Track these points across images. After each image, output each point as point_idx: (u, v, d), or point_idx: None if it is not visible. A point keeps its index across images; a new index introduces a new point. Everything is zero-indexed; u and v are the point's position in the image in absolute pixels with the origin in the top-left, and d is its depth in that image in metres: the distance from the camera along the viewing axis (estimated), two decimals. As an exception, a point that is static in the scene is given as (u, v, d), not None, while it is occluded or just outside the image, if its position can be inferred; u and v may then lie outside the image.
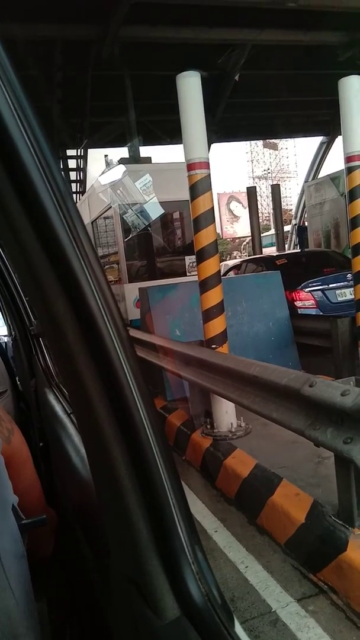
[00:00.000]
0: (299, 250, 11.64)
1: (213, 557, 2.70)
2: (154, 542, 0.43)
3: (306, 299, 6.56)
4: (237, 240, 45.20)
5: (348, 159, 4.30)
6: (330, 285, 6.64)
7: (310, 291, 6.60)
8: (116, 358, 0.39)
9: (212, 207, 3.87)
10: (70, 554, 1.04)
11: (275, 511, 2.82)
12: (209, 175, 3.81)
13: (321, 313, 6.43)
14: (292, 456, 3.38)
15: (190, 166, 3.76)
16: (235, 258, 25.91)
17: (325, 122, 15.30)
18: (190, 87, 3.66)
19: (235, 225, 45.86)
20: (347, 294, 6.39)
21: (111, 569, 0.55)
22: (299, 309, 6.44)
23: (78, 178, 12.53)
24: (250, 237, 17.89)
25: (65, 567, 1.14)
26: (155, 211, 6.90)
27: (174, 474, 0.42)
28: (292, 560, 2.58)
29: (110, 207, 7.46)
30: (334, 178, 12.46)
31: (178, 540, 0.44)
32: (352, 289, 4.53)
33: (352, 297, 4.56)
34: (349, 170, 4.30)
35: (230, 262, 12.80)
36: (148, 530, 0.43)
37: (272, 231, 16.20)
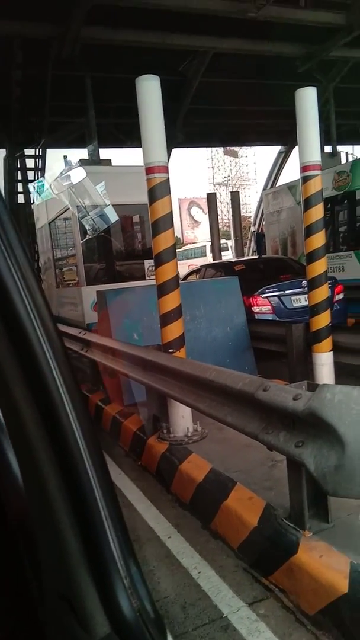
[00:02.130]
0: (257, 257, 11.83)
1: (166, 563, 2.68)
2: (84, 555, 0.41)
3: (263, 305, 6.66)
4: (223, 241, 45.32)
5: (303, 168, 4.39)
6: (287, 292, 6.76)
7: (267, 297, 6.70)
8: (47, 368, 0.37)
9: (171, 211, 3.87)
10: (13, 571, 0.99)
11: (229, 515, 2.83)
12: (168, 179, 3.80)
13: (277, 318, 6.54)
14: (246, 460, 3.40)
15: (149, 170, 3.75)
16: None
17: (283, 131, 15.66)
18: (149, 90, 3.65)
19: (195, 230, 46.20)
20: (302, 300, 6.52)
21: (44, 584, 0.53)
22: (256, 314, 6.53)
23: (36, 178, 12.29)
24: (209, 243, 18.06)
25: (7, 585, 1.09)
26: (114, 215, 6.85)
27: (107, 483, 0.41)
28: (244, 564, 2.59)
29: (68, 208, 7.35)
30: (291, 187, 12.74)
31: (109, 553, 0.42)
32: (307, 295, 4.62)
33: (307, 303, 4.65)
34: (304, 179, 4.40)
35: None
36: (77, 542, 0.41)
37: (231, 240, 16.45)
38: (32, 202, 6.28)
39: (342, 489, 2.02)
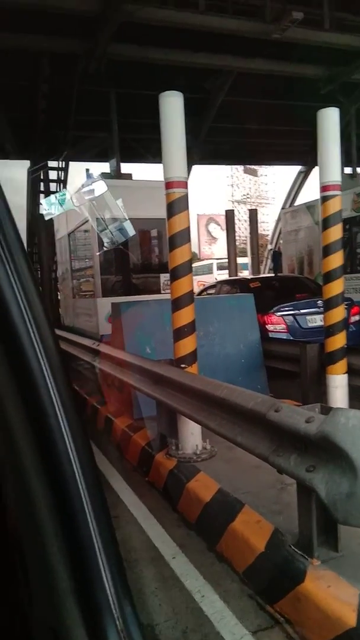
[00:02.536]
0: (273, 275, 11.79)
1: (169, 585, 2.61)
2: (74, 592, 0.38)
3: (277, 323, 6.60)
4: (220, 260, 45.48)
5: (323, 188, 4.38)
6: (302, 311, 6.70)
7: (281, 315, 6.64)
8: (43, 386, 0.35)
9: (188, 227, 3.87)
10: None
11: (236, 538, 2.76)
12: (187, 194, 3.81)
13: (291, 338, 6.47)
14: (255, 481, 3.33)
15: (169, 184, 3.76)
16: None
17: (303, 152, 15.69)
18: (172, 106, 3.68)
19: (213, 246, 46.27)
20: (317, 320, 6.45)
21: (33, 616, 0.50)
22: (270, 333, 6.47)
23: (58, 190, 12.46)
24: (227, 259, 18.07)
25: None
26: (132, 229, 6.89)
27: (104, 514, 0.38)
28: (249, 590, 2.51)
29: (88, 220, 7.41)
30: (309, 207, 12.73)
31: (102, 592, 0.39)
32: (322, 315, 4.57)
33: (322, 323, 4.59)
34: (324, 199, 4.37)
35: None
36: (68, 577, 0.38)
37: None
38: (41, 214, 6.35)
39: (354, 518, 1.95)
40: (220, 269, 26.96)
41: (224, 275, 21.07)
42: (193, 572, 2.71)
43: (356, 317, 7.08)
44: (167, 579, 2.67)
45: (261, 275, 13.27)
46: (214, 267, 27.23)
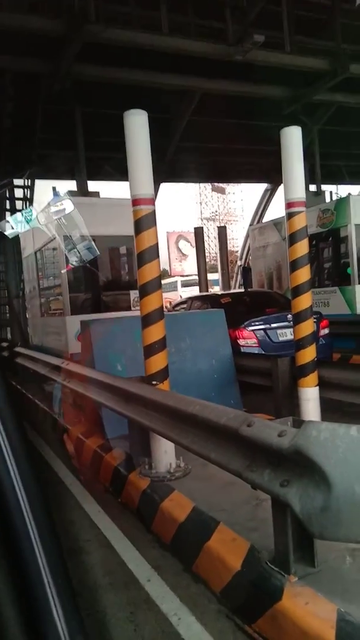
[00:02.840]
0: (243, 290, 11.92)
1: (144, 609, 2.53)
2: (23, 629, 0.34)
3: (249, 338, 6.63)
4: (192, 276, 45.79)
5: (288, 205, 4.45)
6: (272, 325, 6.76)
7: (253, 330, 6.68)
8: None
9: (156, 243, 3.86)
10: None
11: (211, 558, 2.71)
12: (154, 211, 3.81)
13: (263, 352, 6.51)
14: (230, 498, 3.30)
15: (135, 202, 3.76)
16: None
17: (269, 170, 16.03)
18: (137, 124, 3.69)
19: (183, 263, 46.56)
20: (287, 334, 6.53)
21: None
22: (241, 347, 6.49)
23: (24, 208, 12.34)
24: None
25: None
26: (100, 246, 6.88)
27: (53, 545, 0.34)
28: (227, 611, 2.46)
29: (55, 238, 7.35)
30: (276, 223, 12.97)
31: (53, 629, 0.35)
32: (292, 329, 4.61)
33: (292, 337, 4.63)
34: (289, 215, 4.45)
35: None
36: (16, 614, 0.34)
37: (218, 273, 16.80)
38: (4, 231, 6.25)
39: (329, 531, 1.93)
40: (185, 286, 27.55)
41: (188, 292, 21.52)
42: (169, 595, 2.64)
43: (325, 331, 7.18)
44: (142, 603, 2.59)
45: (231, 291, 13.40)
46: (179, 285, 27.71)
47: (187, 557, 2.90)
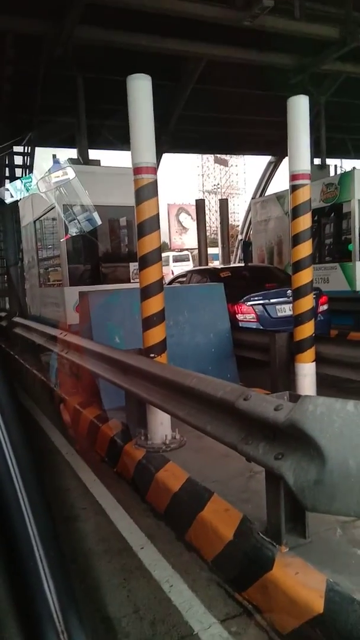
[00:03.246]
0: (243, 264, 11.86)
1: (137, 575, 2.58)
2: (13, 604, 0.33)
3: (247, 313, 6.62)
4: (184, 251, 45.56)
5: (292, 177, 4.37)
6: (271, 301, 6.73)
7: (251, 305, 6.66)
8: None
9: (157, 214, 3.80)
10: None
11: (204, 527, 2.75)
12: (156, 181, 3.74)
13: (261, 327, 6.50)
14: (224, 470, 3.33)
15: (137, 170, 3.68)
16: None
17: (274, 142, 15.74)
18: (140, 89, 3.59)
19: (183, 236, 46.16)
20: (286, 310, 6.51)
21: None
22: (240, 322, 6.48)
23: (24, 175, 12.14)
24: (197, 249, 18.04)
25: None
26: (99, 218, 6.77)
27: (46, 520, 0.33)
28: (218, 579, 2.51)
29: (54, 207, 7.23)
30: (279, 197, 12.80)
31: (44, 604, 0.34)
32: (292, 304, 4.59)
33: (291, 312, 4.61)
34: (293, 188, 4.37)
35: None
36: (5, 588, 0.33)
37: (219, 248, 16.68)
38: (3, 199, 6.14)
39: (321, 504, 1.95)
40: (177, 262, 27.64)
41: (180, 267, 21.47)
42: (161, 562, 2.69)
43: (324, 307, 7.16)
44: (134, 570, 2.64)
45: (231, 265, 13.32)
46: (170, 260, 27.77)
47: (181, 526, 2.95)
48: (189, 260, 27.82)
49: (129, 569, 2.65)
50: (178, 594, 2.40)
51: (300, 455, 2.06)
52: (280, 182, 17.35)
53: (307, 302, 4.42)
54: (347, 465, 1.87)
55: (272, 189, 17.05)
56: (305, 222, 4.37)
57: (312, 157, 12.75)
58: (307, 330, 4.42)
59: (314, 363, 4.46)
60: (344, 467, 1.88)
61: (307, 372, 4.44)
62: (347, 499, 1.90)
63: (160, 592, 2.43)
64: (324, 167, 13.23)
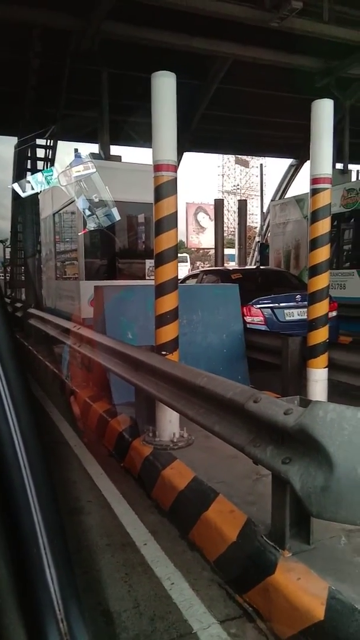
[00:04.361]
0: (255, 267, 11.82)
1: (138, 571, 2.59)
2: (14, 590, 0.33)
3: (255, 315, 6.62)
4: (200, 251, 45.56)
5: (313, 180, 4.34)
6: (280, 304, 6.72)
7: (260, 308, 6.66)
8: None
9: (176, 212, 3.80)
10: None
11: (208, 527, 2.75)
12: (175, 178, 3.74)
13: (268, 330, 6.49)
14: (231, 471, 3.32)
15: (157, 167, 3.68)
16: (197, 268, 26.75)
17: (296, 145, 15.64)
18: (164, 87, 3.59)
19: (200, 236, 46.11)
20: (294, 314, 6.53)
21: None
22: (247, 324, 6.47)
23: (45, 168, 12.23)
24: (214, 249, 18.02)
25: None
26: (118, 214, 6.78)
27: (51, 509, 0.33)
28: (219, 580, 2.50)
29: (73, 200, 7.27)
30: (299, 200, 12.71)
31: (45, 591, 0.34)
32: (300, 310, 4.57)
33: (299, 317, 4.59)
34: (314, 191, 4.34)
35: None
36: (8, 574, 0.33)
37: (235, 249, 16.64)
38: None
39: (327, 511, 1.94)
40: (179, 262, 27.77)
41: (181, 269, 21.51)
42: (164, 560, 2.69)
43: (333, 313, 7.07)
44: (137, 565, 2.65)
45: (244, 267, 13.27)
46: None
47: (184, 525, 2.95)
48: (187, 261, 27.95)
49: (131, 564, 2.66)
50: (179, 592, 2.41)
51: (308, 461, 2.04)
52: (300, 187, 17.25)
53: (322, 307, 4.38)
54: (356, 473, 1.86)
55: (292, 193, 16.94)
56: (324, 226, 4.33)
57: (335, 161, 12.68)
58: (320, 335, 4.38)
59: (326, 369, 4.42)
60: (352, 475, 1.86)
61: (318, 378, 4.40)
62: (353, 508, 1.89)
63: (161, 589, 2.44)
64: (346, 172, 13.11)
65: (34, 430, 0.35)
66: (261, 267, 11.50)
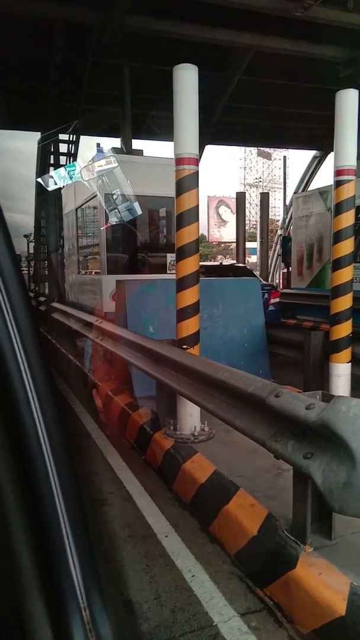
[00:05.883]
0: (218, 263, 12.20)
1: (160, 563, 2.62)
2: (38, 578, 0.34)
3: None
4: (222, 245, 45.39)
5: (337, 172, 4.28)
6: None
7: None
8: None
9: (197, 205, 3.79)
10: None
11: (229, 521, 2.76)
12: (197, 172, 3.72)
13: None
14: (251, 465, 3.32)
15: (179, 161, 3.67)
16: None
17: (320, 136, 15.39)
18: (186, 80, 3.57)
19: (222, 229, 45.91)
20: None
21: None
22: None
23: (68, 163, 12.31)
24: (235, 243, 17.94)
25: None
26: (139, 208, 6.78)
27: (74, 498, 0.34)
28: (240, 573, 2.51)
29: (95, 195, 7.31)
30: (322, 192, 12.50)
31: (68, 580, 0.35)
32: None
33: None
34: (337, 183, 4.28)
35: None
36: (32, 562, 0.34)
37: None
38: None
39: (349, 507, 1.92)
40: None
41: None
42: (184, 552, 2.71)
43: (275, 300, 8.18)
44: (158, 557, 2.67)
45: (208, 263, 13.34)
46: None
47: (205, 518, 2.96)
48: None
49: (153, 555, 2.69)
50: (199, 585, 2.42)
51: (330, 456, 2.03)
52: (323, 180, 17.00)
53: (346, 301, 4.33)
54: (379, 469, 1.83)
55: (315, 185, 16.72)
56: (348, 219, 4.28)
57: (359, 152, 12.45)
58: (344, 329, 4.33)
59: (349, 363, 4.37)
60: (375, 471, 1.84)
61: (341, 373, 4.36)
62: (376, 503, 1.87)
63: (182, 581, 2.46)
64: (370, 163, 12.85)
65: (57, 423, 0.36)
66: (224, 263, 11.87)
